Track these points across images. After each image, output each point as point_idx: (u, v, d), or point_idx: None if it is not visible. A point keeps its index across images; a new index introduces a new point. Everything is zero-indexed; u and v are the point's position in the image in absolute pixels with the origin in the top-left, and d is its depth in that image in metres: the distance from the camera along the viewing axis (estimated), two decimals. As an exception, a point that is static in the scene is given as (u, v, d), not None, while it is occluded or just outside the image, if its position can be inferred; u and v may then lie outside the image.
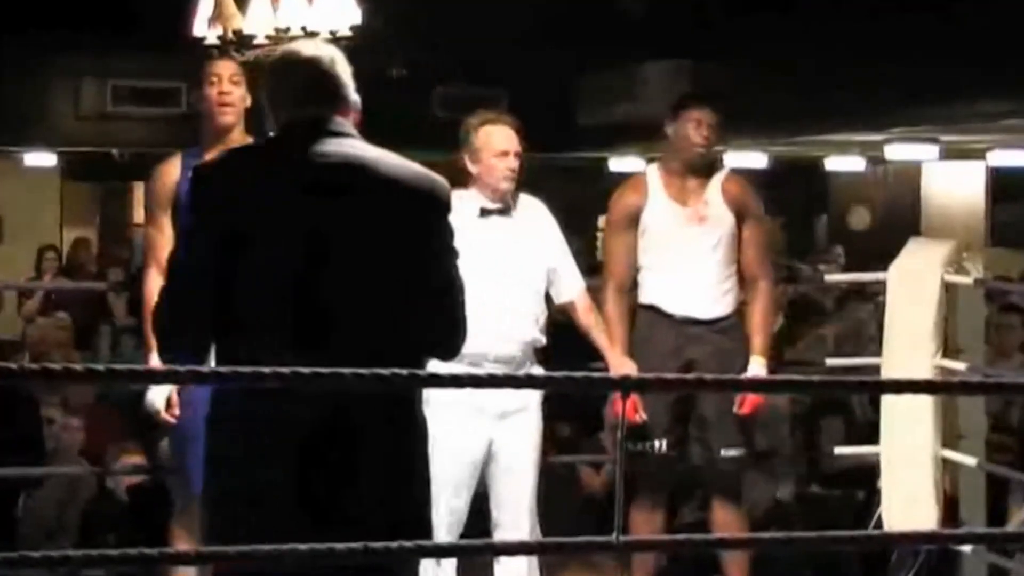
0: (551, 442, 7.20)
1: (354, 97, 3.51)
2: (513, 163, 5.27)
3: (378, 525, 3.19)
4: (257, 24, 7.16)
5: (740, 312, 5.75)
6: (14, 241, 13.82)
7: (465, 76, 11.38)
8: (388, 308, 3.28)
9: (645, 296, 5.71)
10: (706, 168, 5.73)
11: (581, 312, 5.48)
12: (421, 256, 3.31)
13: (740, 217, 5.70)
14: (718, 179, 5.72)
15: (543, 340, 5.34)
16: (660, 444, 5.65)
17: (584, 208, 15.10)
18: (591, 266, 12.76)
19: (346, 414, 3.20)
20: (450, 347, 3.43)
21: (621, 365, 5.45)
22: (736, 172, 5.91)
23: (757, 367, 5.64)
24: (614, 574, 5.99)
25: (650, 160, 13.16)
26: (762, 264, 5.75)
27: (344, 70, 3.52)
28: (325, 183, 3.31)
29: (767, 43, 9.76)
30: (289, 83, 3.49)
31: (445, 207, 3.42)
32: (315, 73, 3.48)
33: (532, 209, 5.40)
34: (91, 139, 12.36)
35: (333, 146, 3.36)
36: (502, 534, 5.25)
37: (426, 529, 3.43)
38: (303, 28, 7.52)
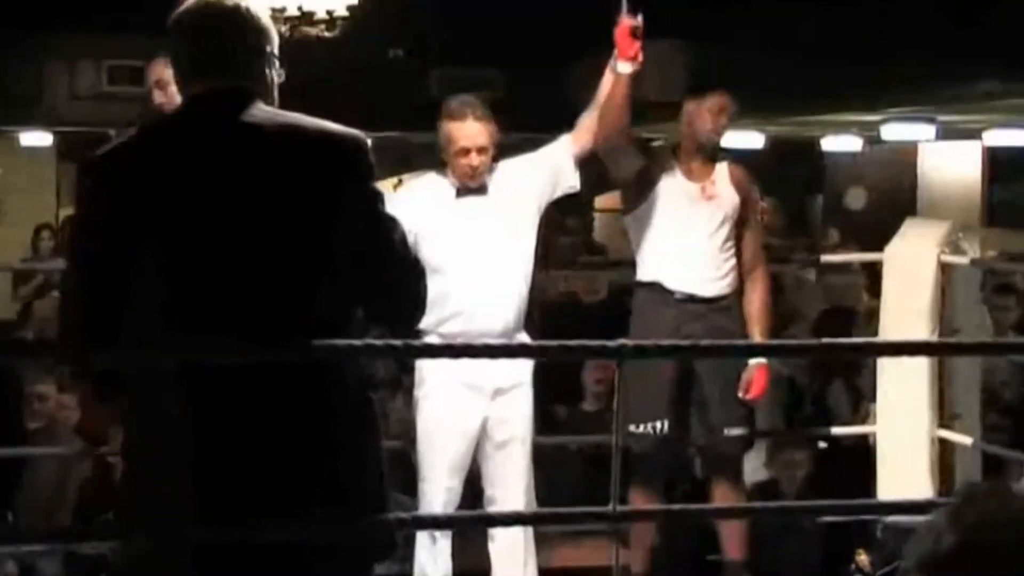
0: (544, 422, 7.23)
1: (268, 51, 3.19)
2: (475, 160, 5.21)
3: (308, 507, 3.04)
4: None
5: (738, 293, 5.76)
6: (11, 221, 13.82)
7: (463, 58, 11.38)
8: (311, 280, 3.04)
9: (646, 273, 5.69)
10: (712, 151, 5.77)
11: (584, 130, 5.50)
12: (345, 225, 3.04)
13: (743, 202, 5.73)
14: (723, 164, 5.77)
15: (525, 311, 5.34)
16: (662, 425, 5.64)
17: (580, 189, 15.08)
18: (589, 245, 12.83)
19: (264, 393, 3.03)
20: (400, 318, 3.22)
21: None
22: (737, 161, 5.92)
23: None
24: (609, 554, 6.00)
25: (646, 140, 13.17)
26: (759, 252, 5.82)
27: (254, 23, 3.18)
28: (227, 159, 3.06)
29: (764, 23, 9.77)
30: (188, 48, 3.17)
31: (359, 164, 3.09)
32: (218, 38, 3.15)
33: (505, 176, 5.35)
34: (87, 119, 12.36)
35: (235, 118, 3.09)
36: (495, 509, 5.26)
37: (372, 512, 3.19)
38: (299, 8, 7.53)
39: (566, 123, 12.25)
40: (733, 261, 5.72)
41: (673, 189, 5.68)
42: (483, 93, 5.54)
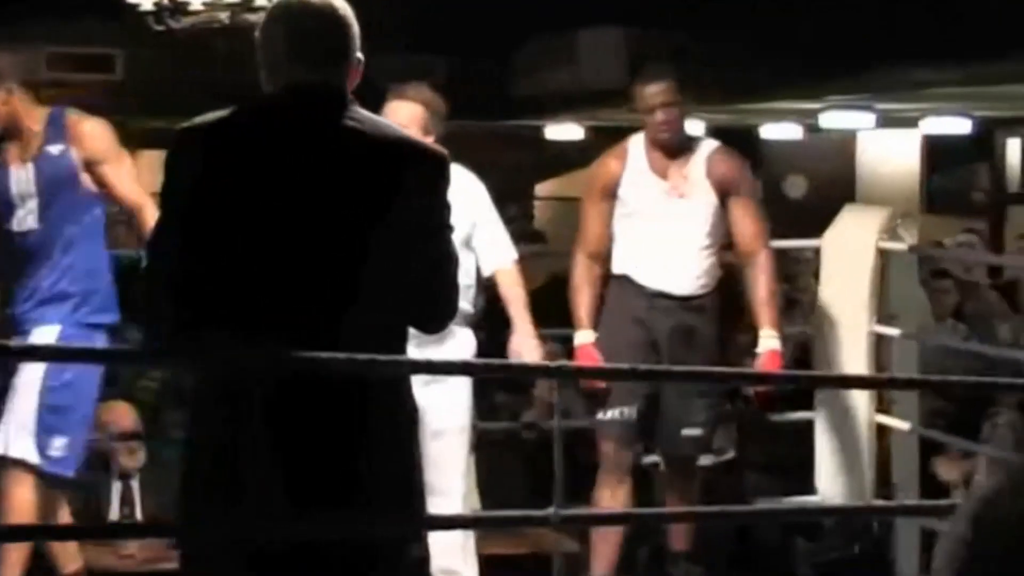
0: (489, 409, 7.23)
1: (359, 55, 3.26)
2: None
3: (363, 503, 3.13)
4: (194, -9, 7.10)
5: (719, 293, 5.62)
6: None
7: (405, 44, 11.35)
8: (371, 282, 3.11)
9: (618, 266, 5.60)
10: (685, 142, 5.61)
11: (504, 285, 5.41)
12: (413, 231, 3.14)
13: (726, 194, 5.55)
14: (703, 154, 5.58)
15: (469, 309, 5.33)
16: (629, 411, 5.54)
17: (522, 176, 15.11)
18: (529, 233, 12.85)
19: (324, 391, 3.09)
20: (438, 319, 3.31)
21: (521, 344, 5.31)
22: (725, 147, 5.71)
23: (769, 341, 5.51)
24: (552, 535, 6.01)
25: (587, 128, 13.16)
26: (758, 238, 5.58)
27: (353, 24, 3.23)
28: (314, 157, 3.12)
29: (704, 11, 9.79)
30: (291, 39, 3.19)
31: (437, 179, 3.21)
32: (321, 30, 3.19)
33: (456, 180, 5.33)
34: (26, 106, 12.25)
35: (331, 116, 3.15)
36: (433, 498, 5.24)
37: (415, 504, 3.31)
38: (239, -5, 7.49)
39: (508, 112, 12.16)
40: (713, 261, 5.59)
41: (640, 187, 5.54)
42: (425, 81, 5.50)
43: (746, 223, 5.58)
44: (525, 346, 5.33)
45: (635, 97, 5.58)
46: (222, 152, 3.14)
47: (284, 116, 3.18)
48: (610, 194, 5.58)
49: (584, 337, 5.52)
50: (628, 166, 5.57)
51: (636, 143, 5.61)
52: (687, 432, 5.64)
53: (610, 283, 5.63)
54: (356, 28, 3.25)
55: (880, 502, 6.04)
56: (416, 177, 3.17)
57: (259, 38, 3.24)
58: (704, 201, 5.55)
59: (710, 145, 5.68)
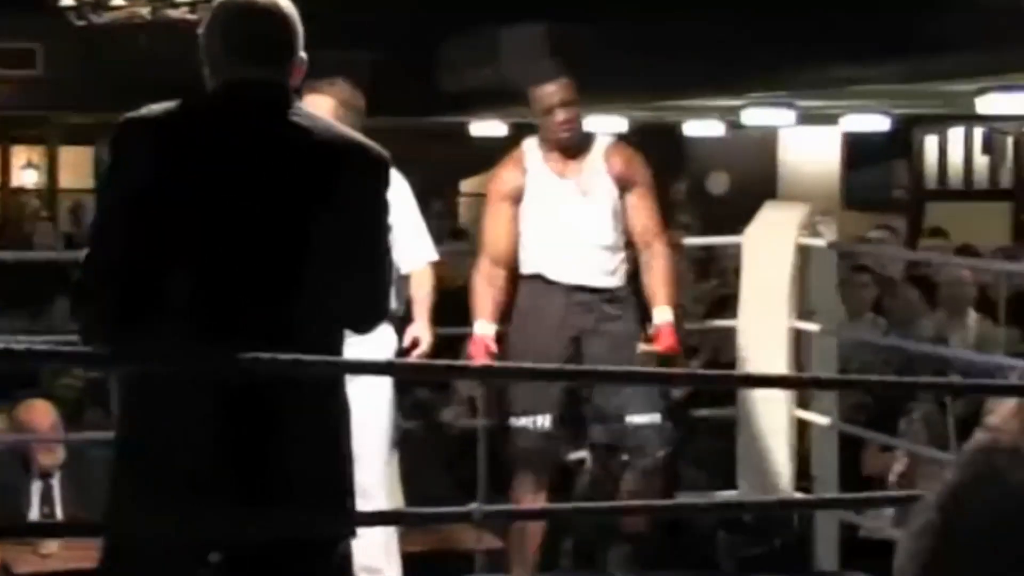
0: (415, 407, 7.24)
1: (303, 54, 3.26)
2: None
3: (294, 500, 3.14)
4: (115, -14, 7.07)
5: (633, 287, 5.56)
6: None
7: (330, 40, 11.34)
8: (309, 281, 3.12)
9: (530, 266, 5.53)
10: (583, 140, 5.57)
11: (414, 285, 5.41)
12: (352, 230, 3.15)
13: (625, 187, 5.54)
14: (600, 148, 5.57)
15: (395, 305, 5.33)
16: (543, 421, 5.47)
17: (446, 172, 15.13)
18: (453, 230, 12.87)
19: (259, 389, 3.08)
20: (370, 321, 3.33)
21: (419, 332, 5.30)
22: (622, 140, 5.74)
23: (664, 316, 5.46)
24: (474, 532, 6.02)
25: (511, 124, 13.19)
26: (654, 230, 5.56)
27: (296, 22, 3.23)
28: (257, 154, 3.13)
29: (627, 7, 9.84)
30: (234, 36, 3.19)
31: (379, 180, 3.22)
32: (264, 28, 3.20)
33: None
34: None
35: (272, 114, 3.16)
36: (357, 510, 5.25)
37: (346, 502, 3.32)
38: (162, -9, 7.46)
39: (434, 108, 12.10)
40: (623, 255, 5.55)
41: (542, 189, 5.50)
42: (344, 76, 5.49)
43: (642, 215, 5.56)
44: (423, 336, 5.33)
45: (531, 99, 5.52)
46: (166, 145, 3.13)
47: (228, 112, 3.19)
48: (511, 201, 5.52)
49: (481, 328, 5.46)
50: (528, 172, 5.53)
51: (531, 147, 5.57)
52: (631, 419, 5.49)
53: (520, 285, 5.55)
54: (300, 26, 3.25)
55: (801, 496, 6.10)
56: (356, 177, 3.18)
57: (202, 36, 3.24)
58: (608, 196, 5.53)
59: (605, 140, 5.66)
